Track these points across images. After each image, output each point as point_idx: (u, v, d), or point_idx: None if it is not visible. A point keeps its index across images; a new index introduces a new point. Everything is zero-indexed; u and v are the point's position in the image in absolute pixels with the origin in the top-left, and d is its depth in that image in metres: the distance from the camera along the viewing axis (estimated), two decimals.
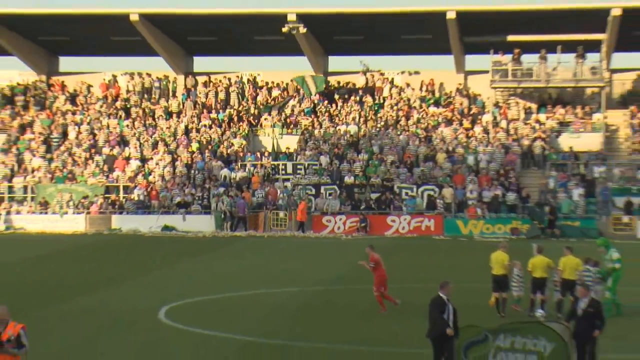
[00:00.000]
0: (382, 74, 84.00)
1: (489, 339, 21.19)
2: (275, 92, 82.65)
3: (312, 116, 79.89)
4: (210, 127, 78.85)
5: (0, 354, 17.54)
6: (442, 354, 21.36)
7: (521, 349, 20.84)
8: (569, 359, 21.11)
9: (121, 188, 73.64)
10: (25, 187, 74.20)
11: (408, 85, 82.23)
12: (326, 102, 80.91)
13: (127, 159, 75.46)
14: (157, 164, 74.33)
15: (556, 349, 20.63)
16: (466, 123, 76.84)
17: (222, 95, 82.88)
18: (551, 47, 76.42)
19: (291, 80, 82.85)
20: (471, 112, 78.94)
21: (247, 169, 74.32)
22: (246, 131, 77.99)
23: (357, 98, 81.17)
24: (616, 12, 71.44)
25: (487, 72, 78.58)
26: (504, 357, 21.00)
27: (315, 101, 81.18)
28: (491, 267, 34.05)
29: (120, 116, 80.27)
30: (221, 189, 70.47)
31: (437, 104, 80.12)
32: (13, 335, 17.17)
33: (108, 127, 79.27)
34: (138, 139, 77.23)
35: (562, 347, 20.77)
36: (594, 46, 76.07)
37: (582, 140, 74.88)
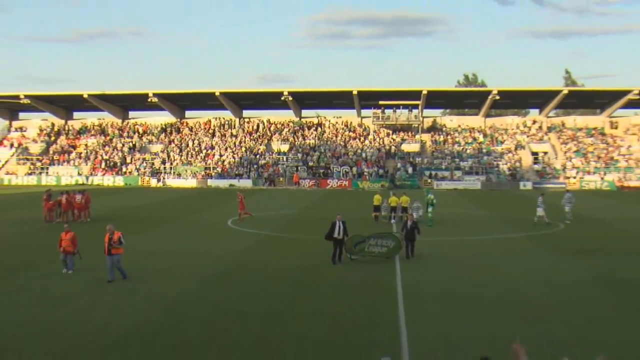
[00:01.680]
0: (325, 118, 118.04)
1: (366, 240, 30.13)
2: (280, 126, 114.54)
3: (294, 137, 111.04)
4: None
5: (113, 248, 25.35)
6: (336, 249, 29.41)
7: (381, 244, 30.06)
8: (401, 249, 30.26)
9: (211, 168, 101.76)
10: (171, 168, 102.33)
11: (336, 123, 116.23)
12: (301, 131, 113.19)
13: (213, 155, 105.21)
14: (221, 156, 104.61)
15: (396, 244, 30.09)
16: (362, 139, 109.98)
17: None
18: (397, 106, 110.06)
19: (288, 122, 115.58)
20: (364, 134, 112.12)
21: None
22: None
23: (315, 129, 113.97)
24: (425, 92, 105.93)
25: (370, 117, 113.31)
26: (373, 247, 29.99)
27: (296, 130, 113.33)
28: (373, 201, 48.31)
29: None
30: None
31: (349, 129, 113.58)
32: (118, 237, 25.29)
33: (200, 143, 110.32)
34: (213, 148, 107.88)
35: (399, 243, 30.18)
36: (416, 106, 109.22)
37: (411, 146, 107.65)
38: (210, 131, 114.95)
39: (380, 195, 49.68)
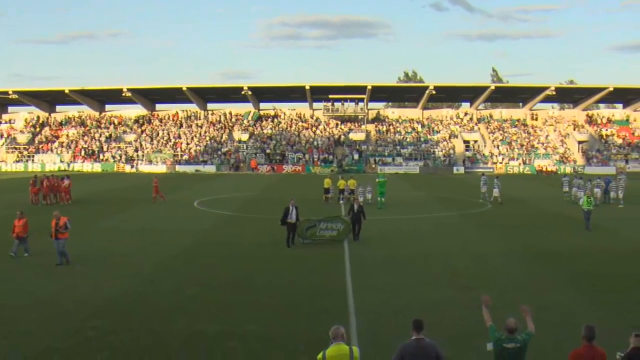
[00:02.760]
0: (281, 110, 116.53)
1: (316, 224, 29.23)
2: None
3: (254, 127, 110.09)
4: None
5: (59, 233, 23.97)
6: (290, 232, 28.11)
7: (331, 228, 29.26)
8: (350, 232, 29.41)
9: (179, 155, 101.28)
10: (143, 155, 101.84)
11: (291, 114, 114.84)
12: (258, 122, 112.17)
13: (180, 144, 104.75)
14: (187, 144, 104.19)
15: (345, 227, 29.35)
16: (313, 129, 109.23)
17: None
18: (345, 99, 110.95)
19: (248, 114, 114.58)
20: (315, 124, 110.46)
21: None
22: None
23: (272, 120, 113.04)
24: (369, 87, 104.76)
25: (321, 109, 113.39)
26: (324, 231, 29.11)
27: (254, 122, 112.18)
28: (323, 184, 48.39)
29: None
30: None
31: (302, 120, 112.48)
32: (64, 223, 24.05)
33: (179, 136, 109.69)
34: (180, 137, 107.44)
35: (347, 226, 29.47)
36: (362, 99, 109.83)
37: (358, 135, 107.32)
38: (178, 122, 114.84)
39: (330, 179, 49.76)
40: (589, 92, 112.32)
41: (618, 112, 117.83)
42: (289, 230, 28.25)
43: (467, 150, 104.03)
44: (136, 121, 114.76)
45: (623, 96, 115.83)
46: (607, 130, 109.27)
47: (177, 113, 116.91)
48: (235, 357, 14.20)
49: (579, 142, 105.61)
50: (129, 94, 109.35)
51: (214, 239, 30.93)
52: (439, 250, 28.20)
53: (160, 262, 25.26)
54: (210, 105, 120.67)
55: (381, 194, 45.03)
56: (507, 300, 18.62)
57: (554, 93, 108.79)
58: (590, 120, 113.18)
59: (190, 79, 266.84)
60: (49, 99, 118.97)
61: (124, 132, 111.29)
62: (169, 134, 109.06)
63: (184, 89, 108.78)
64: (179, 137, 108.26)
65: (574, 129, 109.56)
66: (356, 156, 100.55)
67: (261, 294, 20.26)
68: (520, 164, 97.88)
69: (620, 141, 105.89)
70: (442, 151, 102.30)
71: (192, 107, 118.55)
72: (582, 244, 30.11)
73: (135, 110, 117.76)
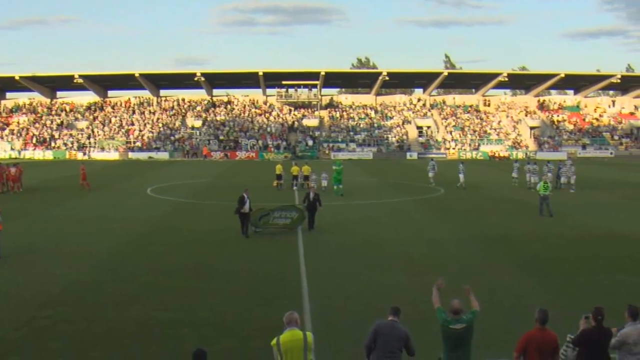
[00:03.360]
0: (234, 96, 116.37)
1: (270, 213, 28.75)
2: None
3: (207, 113, 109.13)
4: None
5: None
6: (244, 222, 27.70)
7: (285, 216, 28.85)
8: (304, 220, 29.14)
9: (132, 142, 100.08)
10: (96, 142, 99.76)
11: (244, 101, 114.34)
12: (212, 108, 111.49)
13: (133, 130, 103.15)
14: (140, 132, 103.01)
15: (299, 215, 29.06)
16: (267, 115, 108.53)
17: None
18: (298, 85, 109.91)
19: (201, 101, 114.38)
20: (269, 110, 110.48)
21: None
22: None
23: (225, 106, 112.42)
24: (323, 73, 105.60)
25: (274, 95, 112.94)
26: (278, 219, 28.67)
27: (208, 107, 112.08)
28: (275, 170, 48.32)
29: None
30: None
31: (256, 106, 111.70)
32: None
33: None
34: (133, 124, 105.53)
35: (302, 215, 29.13)
36: (315, 85, 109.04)
37: (311, 121, 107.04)
38: (131, 109, 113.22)
39: (282, 165, 49.83)
40: (540, 78, 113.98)
41: (569, 98, 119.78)
42: (243, 220, 27.81)
43: (420, 136, 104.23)
44: (88, 108, 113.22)
45: (574, 83, 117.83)
46: (558, 116, 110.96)
47: (129, 100, 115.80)
48: (188, 344, 14.03)
49: (531, 128, 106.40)
50: (80, 80, 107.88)
51: (167, 226, 30.89)
52: (392, 236, 28.43)
53: (113, 250, 25.19)
54: (163, 92, 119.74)
55: (338, 181, 44.69)
56: (459, 284, 18.65)
57: (507, 79, 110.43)
58: (542, 107, 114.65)
59: (143, 65, 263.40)
60: None
61: (76, 119, 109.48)
62: (121, 121, 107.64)
63: (137, 75, 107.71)
64: (132, 124, 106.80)
65: (526, 115, 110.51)
66: (310, 142, 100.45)
67: (215, 280, 20.30)
68: (472, 149, 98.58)
69: (571, 127, 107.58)
70: (395, 137, 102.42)
71: (145, 94, 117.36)
72: (534, 228, 30.58)
73: (87, 97, 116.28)
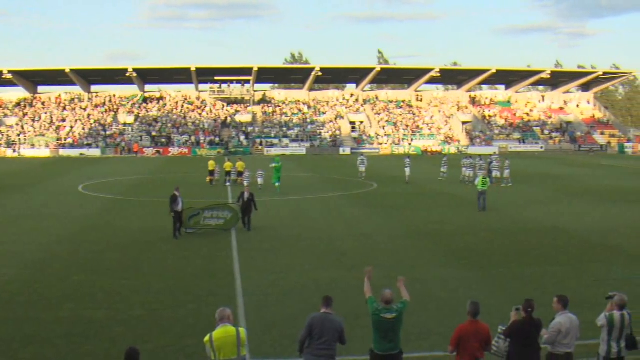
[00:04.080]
0: (166, 92, 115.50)
1: (200, 212, 27.93)
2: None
3: (139, 109, 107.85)
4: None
5: None
6: (176, 222, 26.88)
7: (217, 216, 28.04)
8: (238, 221, 28.38)
9: (63, 139, 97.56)
10: (26, 139, 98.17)
11: (177, 96, 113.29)
12: (144, 104, 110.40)
13: (64, 127, 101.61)
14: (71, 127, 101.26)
15: (233, 216, 28.40)
16: (200, 111, 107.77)
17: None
18: (231, 81, 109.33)
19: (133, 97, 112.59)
20: (201, 106, 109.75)
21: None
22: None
23: (158, 102, 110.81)
24: (256, 68, 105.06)
25: (207, 91, 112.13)
26: (209, 220, 27.84)
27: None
28: (208, 166, 48.93)
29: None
30: None
31: (188, 102, 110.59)
32: None
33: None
34: (64, 120, 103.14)
35: (236, 214, 28.48)
36: (248, 81, 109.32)
37: (244, 117, 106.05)
38: (62, 105, 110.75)
39: (214, 161, 49.95)
40: (472, 73, 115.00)
41: (500, 93, 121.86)
42: (175, 220, 26.98)
43: (353, 131, 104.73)
44: (17, 104, 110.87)
45: (505, 78, 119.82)
46: (489, 111, 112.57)
47: (60, 96, 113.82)
48: (121, 343, 13.89)
49: (463, 123, 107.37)
50: (9, 75, 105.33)
51: (99, 224, 30.59)
52: (326, 231, 28.64)
53: (44, 248, 24.83)
54: (94, 88, 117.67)
55: (277, 179, 43.99)
56: (392, 278, 18.75)
57: (439, 75, 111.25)
58: (474, 102, 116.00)
59: (74, 60, 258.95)
60: None
61: (5, 115, 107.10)
62: (52, 117, 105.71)
63: (67, 70, 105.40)
64: (63, 120, 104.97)
65: (458, 110, 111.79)
66: (243, 138, 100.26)
67: (148, 278, 20.24)
68: (407, 144, 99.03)
69: (502, 122, 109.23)
70: (328, 132, 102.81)
71: (76, 90, 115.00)
72: (466, 222, 31.11)
73: (16, 93, 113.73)
